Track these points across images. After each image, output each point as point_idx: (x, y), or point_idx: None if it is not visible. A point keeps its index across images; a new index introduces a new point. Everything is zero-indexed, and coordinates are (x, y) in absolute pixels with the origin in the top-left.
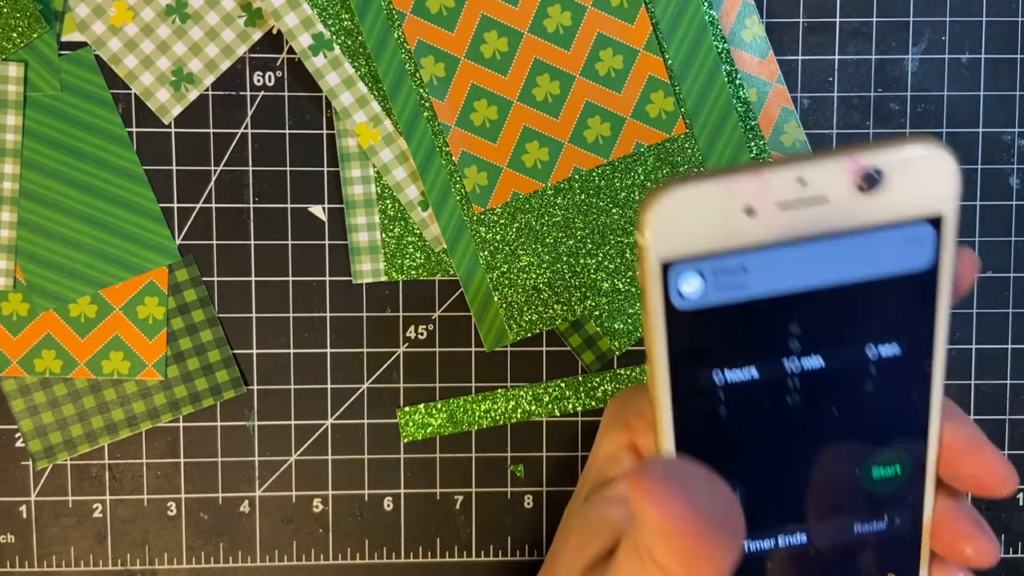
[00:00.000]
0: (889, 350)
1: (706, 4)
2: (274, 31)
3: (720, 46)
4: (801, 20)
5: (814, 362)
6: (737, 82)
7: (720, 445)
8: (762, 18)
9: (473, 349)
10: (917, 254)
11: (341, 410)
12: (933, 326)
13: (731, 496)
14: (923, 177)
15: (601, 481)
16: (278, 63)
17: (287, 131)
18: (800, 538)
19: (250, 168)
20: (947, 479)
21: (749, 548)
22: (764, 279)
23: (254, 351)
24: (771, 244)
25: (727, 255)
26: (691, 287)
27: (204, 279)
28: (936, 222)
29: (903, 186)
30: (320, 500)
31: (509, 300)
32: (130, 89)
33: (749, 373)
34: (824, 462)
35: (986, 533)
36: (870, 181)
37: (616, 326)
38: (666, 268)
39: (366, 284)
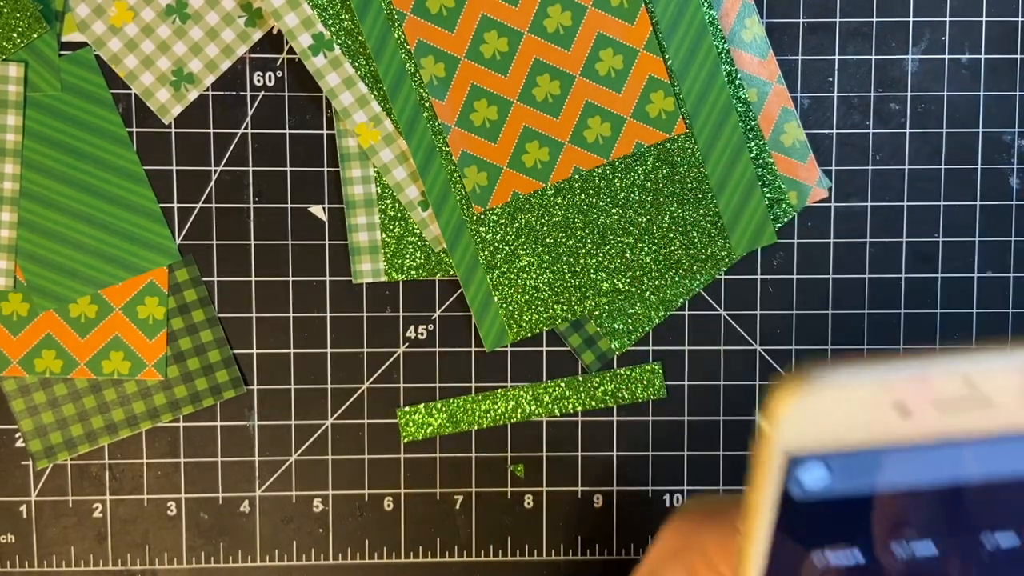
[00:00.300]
0: (1007, 541)
1: (706, 4)
2: (274, 31)
3: (720, 46)
4: (801, 20)
5: (926, 548)
6: (737, 82)
7: None
8: (762, 18)
9: (473, 349)
10: None
11: (341, 410)
12: None
13: None
14: None
15: None
16: (278, 63)
17: (287, 131)
18: None
19: (250, 168)
20: None
21: None
22: (900, 473)
23: (254, 351)
24: (918, 444)
25: (865, 451)
26: (815, 480)
27: (204, 279)
28: None
29: None
30: (320, 500)
31: (509, 300)
32: (130, 89)
33: (854, 558)
34: None
35: None
36: None
37: (616, 326)
38: (791, 460)
39: (366, 284)
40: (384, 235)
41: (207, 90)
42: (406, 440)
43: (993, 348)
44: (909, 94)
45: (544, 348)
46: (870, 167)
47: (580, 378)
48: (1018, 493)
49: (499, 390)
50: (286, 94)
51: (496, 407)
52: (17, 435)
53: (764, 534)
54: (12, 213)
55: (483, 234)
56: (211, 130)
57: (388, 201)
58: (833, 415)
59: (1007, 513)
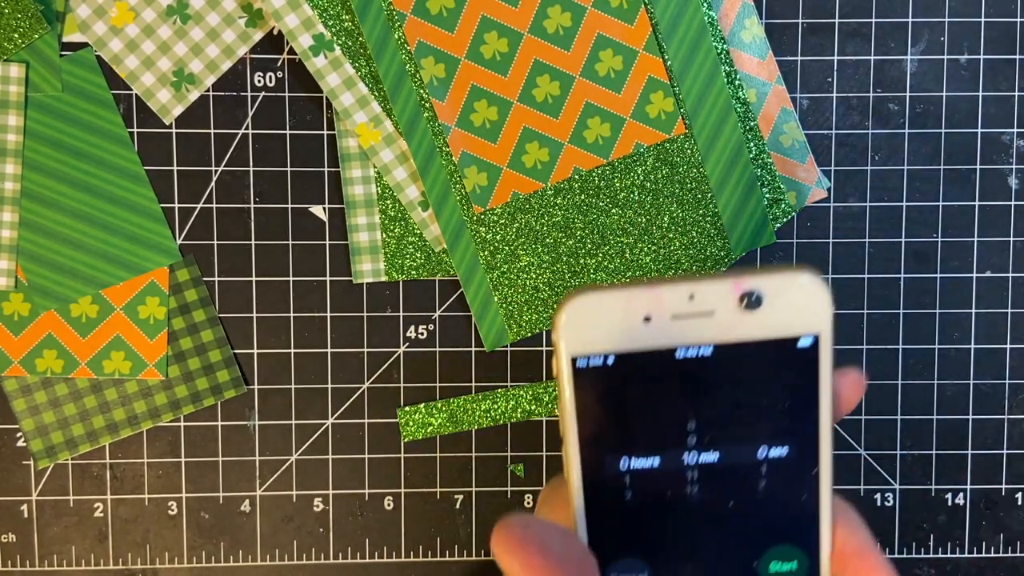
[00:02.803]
0: (778, 453)
1: (706, 5)
2: (275, 32)
3: (720, 47)
4: (801, 20)
5: (710, 457)
6: (737, 82)
7: (627, 525)
8: (761, 18)
9: (473, 349)
10: (797, 369)
11: (341, 410)
12: (817, 436)
13: (584, 547)
14: (799, 301)
15: None
16: (279, 64)
17: (287, 131)
18: None
19: (251, 168)
20: None
21: None
22: (651, 376)
23: (254, 351)
24: (666, 347)
25: (628, 355)
26: (596, 376)
27: (205, 279)
28: (815, 339)
29: (781, 308)
30: (320, 500)
31: (509, 300)
32: (131, 89)
33: (651, 461)
34: (724, 553)
35: None
36: (751, 302)
37: None
38: (575, 362)
39: (366, 284)
40: (384, 235)
41: (208, 91)
42: (406, 440)
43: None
44: (908, 94)
45: (544, 348)
46: (869, 167)
47: None
48: (772, 405)
49: (499, 390)
50: (286, 95)
51: (496, 407)
52: (18, 435)
53: (573, 438)
54: (13, 213)
55: (483, 234)
56: (212, 130)
57: (388, 201)
58: (597, 323)
59: (773, 426)
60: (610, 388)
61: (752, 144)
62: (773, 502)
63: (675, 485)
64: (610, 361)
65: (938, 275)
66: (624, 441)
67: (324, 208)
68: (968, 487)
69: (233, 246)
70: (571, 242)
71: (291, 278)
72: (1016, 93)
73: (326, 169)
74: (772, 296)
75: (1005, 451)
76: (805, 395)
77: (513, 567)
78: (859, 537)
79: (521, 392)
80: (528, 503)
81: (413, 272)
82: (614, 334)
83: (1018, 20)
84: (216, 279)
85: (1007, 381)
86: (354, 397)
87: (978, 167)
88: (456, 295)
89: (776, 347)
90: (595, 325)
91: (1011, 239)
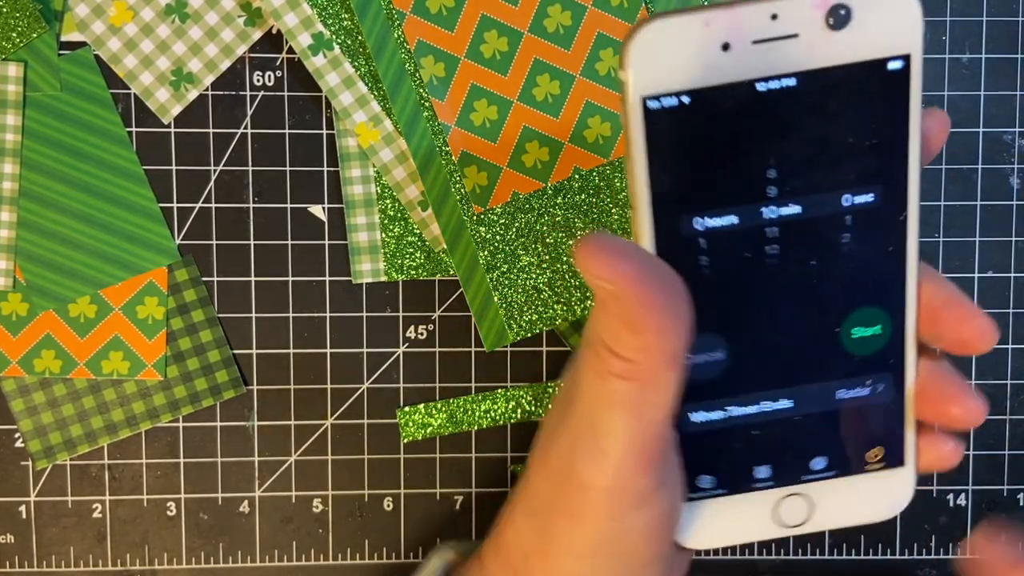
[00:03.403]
0: (863, 199)
1: (706, 4)
2: (274, 31)
3: None
4: None
5: (792, 210)
6: None
7: (702, 297)
8: None
9: (473, 349)
10: (887, 97)
11: (341, 410)
12: (906, 177)
13: (675, 273)
14: (890, 17)
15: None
16: (278, 63)
17: (287, 131)
18: (784, 403)
19: (250, 168)
20: (928, 339)
21: (733, 414)
22: (742, 113)
23: (254, 351)
24: (747, 79)
25: (706, 90)
26: (672, 116)
27: (204, 279)
28: (905, 62)
29: (870, 25)
30: (320, 500)
31: (509, 300)
32: (130, 89)
33: (728, 220)
34: (805, 320)
35: (971, 392)
36: (838, 18)
37: None
38: (646, 103)
39: (366, 284)
40: (384, 235)
41: (207, 90)
42: (406, 440)
43: None
44: None
45: (544, 348)
46: None
47: None
48: (857, 142)
49: (499, 390)
50: (286, 94)
51: (496, 407)
52: (16, 435)
53: (644, 195)
54: (11, 213)
55: (483, 234)
56: (211, 130)
57: (388, 201)
58: (671, 55)
59: (858, 168)
60: (685, 132)
61: None
62: (857, 258)
63: (754, 246)
64: (685, 100)
65: None
66: (700, 197)
67: (323, 208)
68: (970, 488)
69: (232, 246)
70: (571, 242)
71: (290, 278)
72: (1018, 92)
73: (325, 169)
74: (860, 11)
75: (1007, 452)
76: (894, 129)
77: (600, 274)
78: (947, 289)
79: (521, 392)
80: None
81: (413, 272)
82: (690, 67)
83: (1020, 19)
84: (215, 279)
85: (1009, 381)
86: (353, 397)
87: (979, 167)
88: (456, 295)
89: (864, 71)
90: (668, 58)
91: (1013, 239)
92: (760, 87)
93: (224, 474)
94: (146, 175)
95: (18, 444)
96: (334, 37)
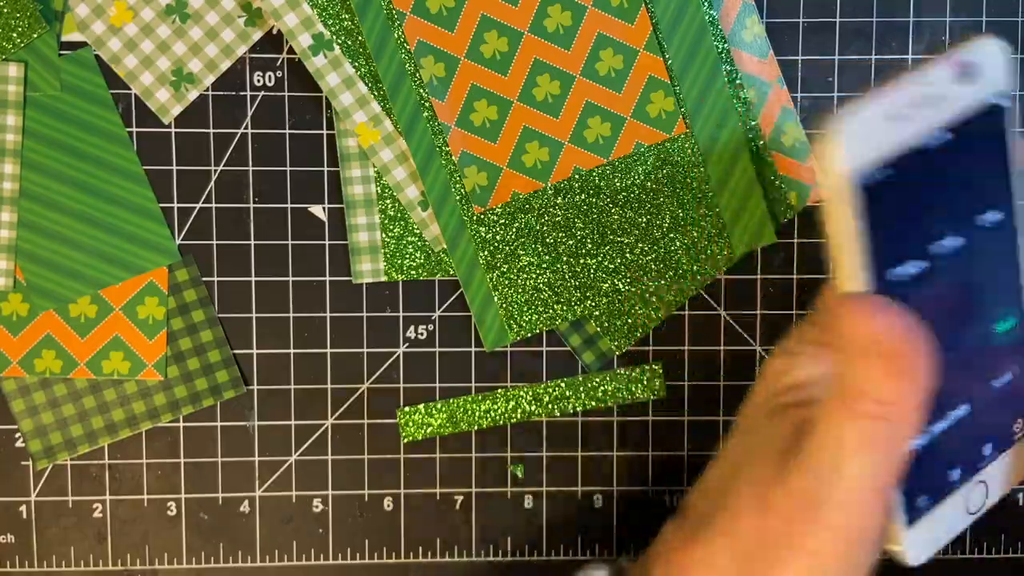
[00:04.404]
0: (996, 217)
1: (706, 4)
2: (274, 31)
3: (720, 46)
4: (801, 20)
5: (957, 242)
6: (737, 82)
7: None
8: (762, 18)
9: (473, 349)
10: (1001, 129)
11: (341, 410)
12: (1011, 189)
13: (919, 324)
14: (992, 63)
15: (775, 390)
16: (278, 63)
17: (287, 131)
18: (964, 408)
19: (250, 168)
20: None
21: (934, 432)
22: (918, 173)
23: (254, 351)
24: (920, 144)
25: (895, 158)
26: (878, 184)
27: (204, 279)
28: (1011, 98)
29: (985, 72)
30: (320, 500)
31: (509, 300)
32: (130, 89)
33: (918, 266)
34: (973, 329)
35: None
36: (968, 72)
37: (616, 326)
38: (853, 178)
39: (366, 284)
40: (384, 235)
41: (207, 90)
42: (406, 440)
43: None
44: None
45: (544, 348)
46: None
47: (580, 378)
48: (985, 170)
49: (499, 390)
50: (286, 94)
51: (496, 407)
52: (17, 435)
53: (856, 262)
54: (12, 213)
55: (483, 234)
56: (211, 130)
57: (388, 201)
58: (868, 135)
59: (987, 191)
60: (884, 198)
61: (753, 144)
62: (998, 267)
63: (935, 280)
64: (882, 171)
65: None
66: (897, 248)
67: (324, 208)
68: None
69: (232, 246)
70: (571, 242)
71: (290, 278)
72: (1018, 93)
73: (325, 169)
74: (979, 63)
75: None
76: (1004, 155)
77: (863, 328)
78: None
79: (521, 392)
80: (528, 503)
81: (413, 272)
82: (883, 141)
83: (1019, 19)
84: (215, 279)
85: None
86: (354, 397)
87: None
88: (456, 295)
89: (988, 112)
90: (866, 137)
91: None
92: (927, 144)
93: (224, 474)
94: (146, 175)
95: (18, 444)
96: (334, 37)
